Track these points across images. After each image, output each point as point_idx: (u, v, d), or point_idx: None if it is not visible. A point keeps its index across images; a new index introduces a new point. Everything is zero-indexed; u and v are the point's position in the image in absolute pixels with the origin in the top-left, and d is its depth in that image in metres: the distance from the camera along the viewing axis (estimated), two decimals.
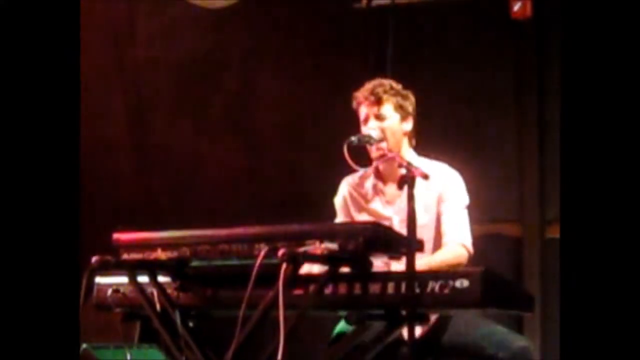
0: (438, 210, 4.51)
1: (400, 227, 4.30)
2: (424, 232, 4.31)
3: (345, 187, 4.68)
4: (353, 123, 4.60)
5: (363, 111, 4.55)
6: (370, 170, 4.61)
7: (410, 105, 4.59)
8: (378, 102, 4.52)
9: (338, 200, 4.68)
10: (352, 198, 4.64)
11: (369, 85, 4.57)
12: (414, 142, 4.64)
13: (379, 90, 4.53)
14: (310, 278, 3.83)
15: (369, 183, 4.63)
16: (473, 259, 4.48)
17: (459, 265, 4.37)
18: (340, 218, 4.67)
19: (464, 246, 4.46)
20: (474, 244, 4.50)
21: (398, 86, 4.59)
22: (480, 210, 4.61)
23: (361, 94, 4.56)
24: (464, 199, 4.56)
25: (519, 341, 4.24)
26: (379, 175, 4.62)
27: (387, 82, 4.59)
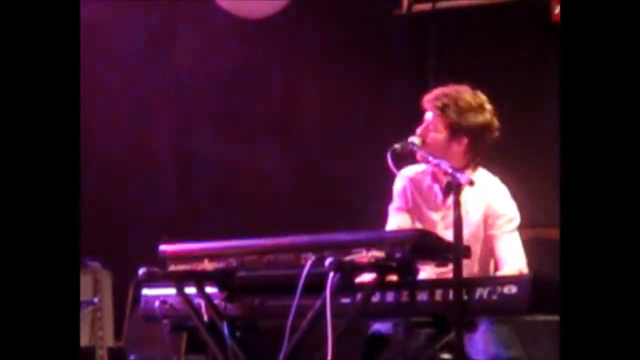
0: (485, 222, 4.42)
1: (443, 235, 4.27)
2: (469, 240, 4.25)
3: (404, 178, 4.53)
4: (397, 129, 4.57)
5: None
6: (428, 168, 4.48)
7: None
8: None
9: (397, 188, 4.54)
10: (412, 186, 4.50)
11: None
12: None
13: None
14: (357, 286, 3.82)
15: (426, 183, 4.49)
16: None
17: None
18: (397, 204, 4.53)
19: (521, 272, 4.30)
20: None
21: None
22: (520, 215, 4.55)
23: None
24: (516, 219, 4.46)
25: None
26: (434, 177, 4.49)
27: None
